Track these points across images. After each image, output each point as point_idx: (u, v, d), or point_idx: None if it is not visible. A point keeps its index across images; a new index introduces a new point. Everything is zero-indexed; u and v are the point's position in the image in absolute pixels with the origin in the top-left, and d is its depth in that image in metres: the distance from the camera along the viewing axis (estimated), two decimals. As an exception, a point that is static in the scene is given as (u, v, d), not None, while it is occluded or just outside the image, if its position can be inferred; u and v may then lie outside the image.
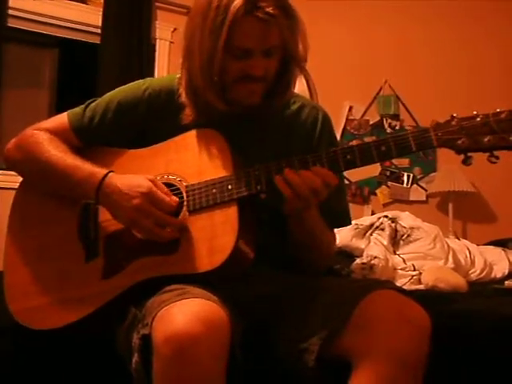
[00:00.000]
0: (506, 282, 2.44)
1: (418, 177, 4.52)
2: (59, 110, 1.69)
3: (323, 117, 1.65)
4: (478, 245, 2.83)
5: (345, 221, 1.69)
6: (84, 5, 4.23)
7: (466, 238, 3.63)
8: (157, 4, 4.40)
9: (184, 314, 1.15)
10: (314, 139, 1.61)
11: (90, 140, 1.59)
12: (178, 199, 1.41)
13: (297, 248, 1.55)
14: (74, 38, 4.35)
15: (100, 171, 1.45)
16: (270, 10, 1.35)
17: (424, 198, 4.50)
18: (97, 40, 4.25)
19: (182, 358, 1.12)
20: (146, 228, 1.38)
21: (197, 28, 1.42)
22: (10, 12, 3.89)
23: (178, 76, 1.58)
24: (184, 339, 1.12)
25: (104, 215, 1.48)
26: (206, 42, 1.39)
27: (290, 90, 1.56)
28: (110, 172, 1.45)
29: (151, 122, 1.57)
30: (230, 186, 1.39)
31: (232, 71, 1.42)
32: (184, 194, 1.43)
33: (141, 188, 1.38)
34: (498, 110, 1.26)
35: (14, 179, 1.69)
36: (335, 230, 1.70)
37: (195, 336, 1.12)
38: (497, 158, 1.27)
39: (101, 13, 4.19)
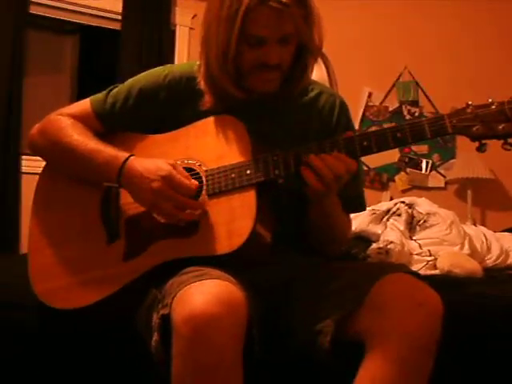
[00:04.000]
0: (522, 269, 2.45)
1: (437, 163, 4.52)
2: (80, 96, 1.73)
3: (340, 103, 1.66)
4: (495, 231, 2.83)
5: (360, 206, 1.70)
6: (104, -9, 4.27)
7: (484, 225, 3.63)
8: (177, -10, 4.43)
9: (203, 294, 1.18)
10: (331, 125, 1.62)
11: (112, 125, 1.62)
12: (197, 183, 1.44)
13: (313, 231, 1.57)
14: (95, 24, 4.39)
15: (122, 155, 1.49)
16: None
17: (443, 185, 4.50)
18: (117, 26, 4.29)
19: (200, 338, 1.15)
20: (166, 211, 1.41)
21: (213, 17, 1.45)
22: (32, -1, 3.94)
23: (197, 63, 1.61)
24: (202, 319, 1.15)
25: (126, 198, 1.51)
26: (222, 31, 1.42)
27: (306, 77, 1.57)
28: (131, 156, 1.48)
29: (172, 108, 1.59)
30: (248, 171, 1.42)
31: (248, 60, 1.45)
32: (203, 179, 1.46)
33: (161, 171, 1.41)
34: (513, 98, 1.28)
35: (38, 164, 1.73)
36: (351, 215, 1.72)
37: (213, 316, 1.15)
38: (511, 145, 1.28)
39: (121, -1, 4.23)
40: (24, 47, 3.87)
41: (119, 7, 4.23)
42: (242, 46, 1.43)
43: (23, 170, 3.83)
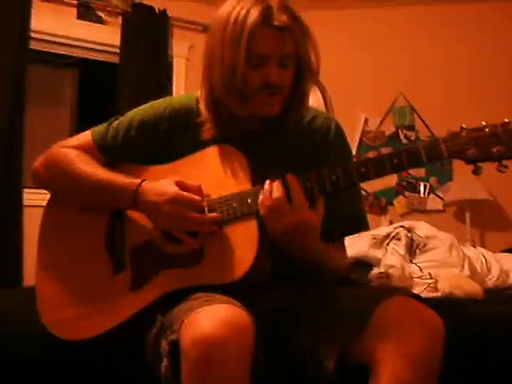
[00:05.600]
0: (522, 288, 2.47)
1: (435, 186, 4.54)
2: (80, 128, 1.75)
3: (336, 126, 1.68)
4: (494, 252, 2.85)
5: (362, 225, 1.68)
6: (102, 25, 4.33)
7: (483, 246, 3.64)
8: (173, 22, 4.49)
9: (210, 318, 1.21)
10: (328, 147, 1.64)
11: (114, 157, 1.65)
12: (204, 195, 1.47)
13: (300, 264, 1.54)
14: (93, 57, 4.45)
15: (133, 182, 1.52)
16: (284, 19, 1.44)
17: (441, 207, 4.52)
18: (115, 59, 4.35)
19: (209, 360, 1.17)
20: (185, 227, 1.46)
21: (217, 42, 1.49)
22: (32, 35, 3.98)
23: (195, 94, 1.64)
24: (210, 342, 1.17)
25: (130, 228, 1.54)
26: (227, 52, 1.46)
27: (305, 103, 1.61)
28: (142, 181, 1.51)
29: (172, 138, 1.61)
30: (249, 200, 1.44)
31: (251, 82, 1.48)
32: (206, 209, 1.48)
33: (166, 195, 1.45)
34: (506, 121, 1.29)
35: (40, 197, 1.75)
36: (354, 235, 1.73)
37: (221, 338, 1.17)
38: (505, 167, 1.30)
39: (119, 33, 4.29)
40: (25, 83, 3.90)
41: (117, 40, 4.29)
42: (246, 68, 1.46)
43: (25, 203, 3.85)
